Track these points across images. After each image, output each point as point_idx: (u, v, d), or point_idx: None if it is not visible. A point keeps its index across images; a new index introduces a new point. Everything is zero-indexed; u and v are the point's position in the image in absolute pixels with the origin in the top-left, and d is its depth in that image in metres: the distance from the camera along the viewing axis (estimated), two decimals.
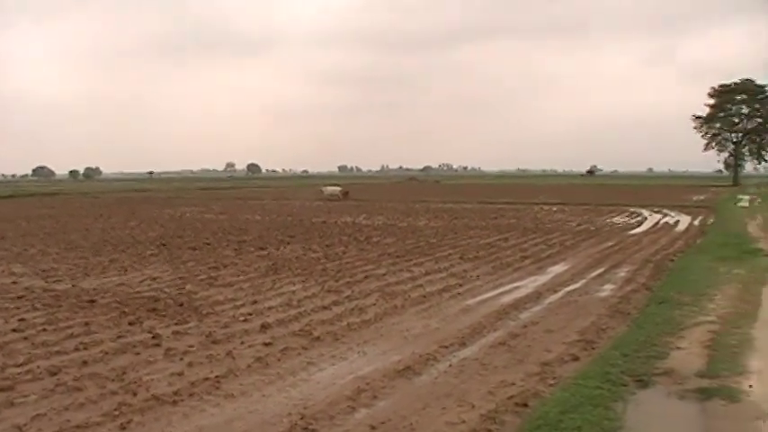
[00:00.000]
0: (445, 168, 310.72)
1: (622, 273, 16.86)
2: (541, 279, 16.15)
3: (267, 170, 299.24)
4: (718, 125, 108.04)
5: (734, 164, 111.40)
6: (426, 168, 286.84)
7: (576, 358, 9.32)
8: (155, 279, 16.12)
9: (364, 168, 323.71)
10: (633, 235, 26.82)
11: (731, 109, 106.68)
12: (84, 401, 7.73)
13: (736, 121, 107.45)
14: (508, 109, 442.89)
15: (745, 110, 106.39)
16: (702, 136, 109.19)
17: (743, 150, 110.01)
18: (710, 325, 10.73)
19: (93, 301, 13.32)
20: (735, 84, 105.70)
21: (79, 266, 18.16)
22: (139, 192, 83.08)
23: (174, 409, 7.59)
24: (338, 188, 62.95)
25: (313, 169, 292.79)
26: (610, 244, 23.30)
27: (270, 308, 12.73)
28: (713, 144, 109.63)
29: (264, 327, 11.19)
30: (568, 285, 15.22)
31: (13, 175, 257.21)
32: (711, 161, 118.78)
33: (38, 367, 9.00)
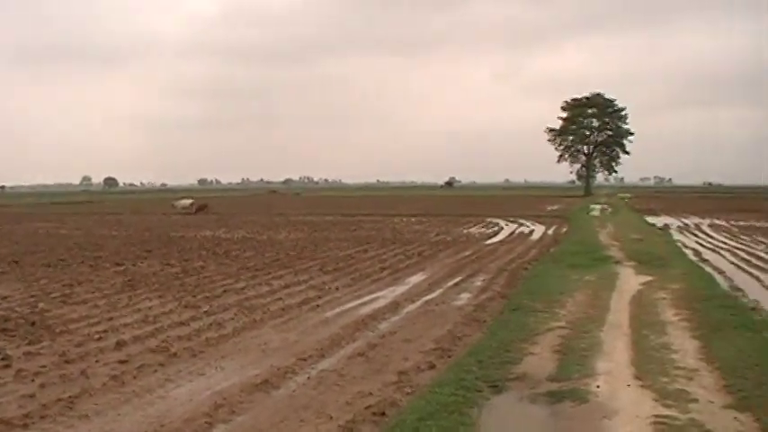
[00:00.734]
0: (306, 181, 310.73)
1: (478, 281, 17.39)
2: (400, 289, 16.42)
3: (125, 183, 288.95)
4: (570, 138, 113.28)
5: (586, 175, 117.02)
6: (287, 181, 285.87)
7: (432, 366, 9.53)
8: (5, 298, 15.25)
9: (225, 181, 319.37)
10: (489, 245, 27.74)
11: (583, 122, 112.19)
12: None
13: (588, 133, 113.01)
14: (368, 122, 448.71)
15: (595, 123, 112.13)
16: (556, 148, 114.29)
17: (594, 162, 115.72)
18: (561, 330, 11.29)
19: None
20: (586, 98, 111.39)
21: None
22: None
23: None
24: (189, 201, 62.21)
25: (172, 182, 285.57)
26: (467, 254, 23.99)
27: (126, 324, 12.34)
28: (566, 156, 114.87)
29: (120, 344, 10.84)
30: (426, 295, 15.54)
31: None
32: (565, 172, 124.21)
33: None
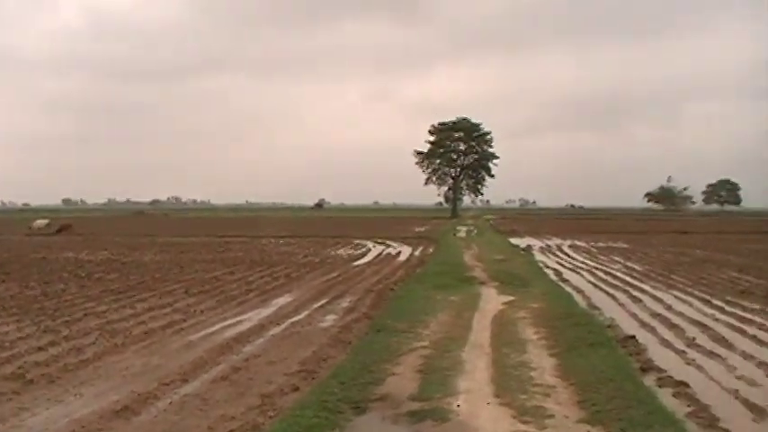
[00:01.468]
0: (174, 201, 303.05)
1: (345, 303, 17.45)
2: (266, 311, 16.28)
3: None
4: (438, 161, 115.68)
5: (453, 197, 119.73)
6: (155, 202, 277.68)
7: (296, 389, 9.49)
8: None
9: (90, 201, 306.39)
10: (357, 266, 27.92)
11: (450, 145, 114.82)
12: None
13: (455, 157, 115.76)
14: (239, 142, 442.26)
15: (462, 147, 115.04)
16: (424, 171, 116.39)
17: (461, 184, 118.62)
18: (424, 350, 11.50)
19: None
20: (453, 122, 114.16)
21: None
22: None
23: None
24: (45, 221, 60.41)
25: (35, 202, 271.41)
26: (334, 275, 24.05)
27: None
28: (434, 178, 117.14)
29: None
30: (292, 317, 15.47)
31: None
32: (433, 195, 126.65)
33: None
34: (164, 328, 13.94)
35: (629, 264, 28.29)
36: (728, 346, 12.05)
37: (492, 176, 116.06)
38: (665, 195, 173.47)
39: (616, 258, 31.04)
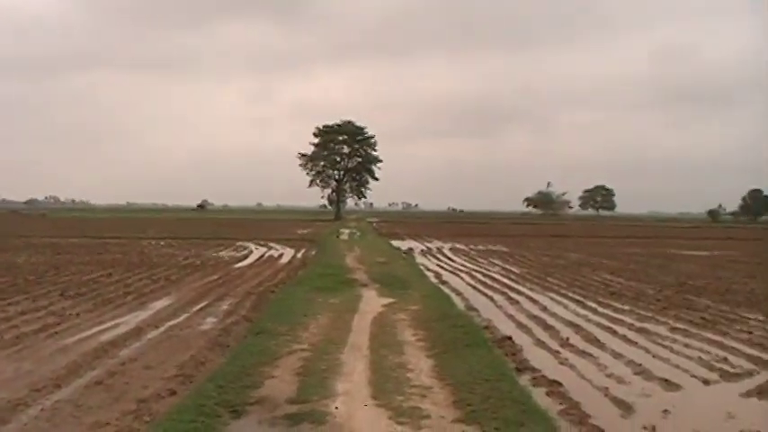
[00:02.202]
0: (52, 201, 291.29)
1: (225, 305, 17.17)
2: (144, 314, 15.83)
3: None
4: (321, 163, 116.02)
5: (336, 200, 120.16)
6: (31, 201, 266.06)
7: (173, 393, 9.26)
8: None
9: None
10: (238, 268, 27.54)
11: (334, 148, 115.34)
12: None
13: (339, 159, 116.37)
14: (119, 141, 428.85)
15: (346, 149, 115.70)
16: (308, 173, 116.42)
17: (345, 187, 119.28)
18: (303, 353, 11.44)
19: None
20: (337, 125, 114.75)
21: None
22: None
23: None
24: None
25: None
26: (215, 277, 23.65)
27: None
28: (318, 181, 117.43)
29: None
30: (171, 320, 15.09)
31: None
32: (316, 197, 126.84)
33: None
34: (37, 333, 13.34)
35: (507, 266, 29.05)
36: (600, 345, 12.54)
37: (376, 179, 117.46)
38: (543, 200, 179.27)
39: (495, 261, 31.82)
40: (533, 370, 10.56)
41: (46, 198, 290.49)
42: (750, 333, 13.93)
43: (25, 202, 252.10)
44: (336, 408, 8.46)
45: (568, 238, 58.04)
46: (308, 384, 9.51)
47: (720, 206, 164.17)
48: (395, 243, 46.19)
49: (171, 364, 10.92)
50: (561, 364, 11.18)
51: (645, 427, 8.06)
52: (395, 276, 23.07)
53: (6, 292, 18.69)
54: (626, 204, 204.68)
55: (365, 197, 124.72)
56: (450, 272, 26.61)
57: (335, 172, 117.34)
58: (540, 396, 9.12)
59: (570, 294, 19.60)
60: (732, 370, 10.86)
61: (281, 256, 35.08)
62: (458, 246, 44.14)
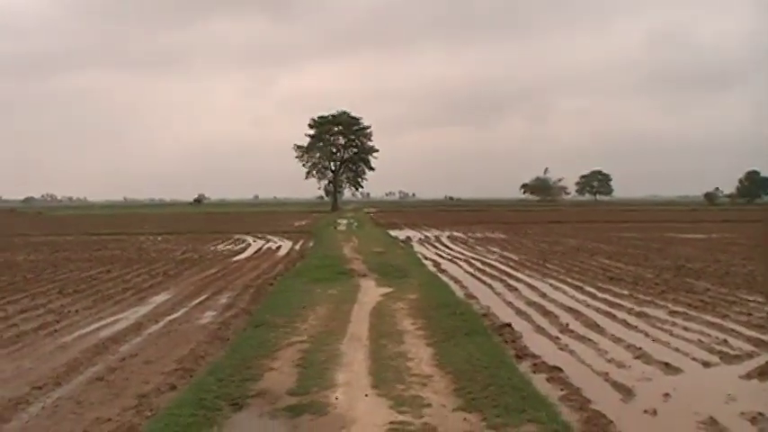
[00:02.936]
0: (49, 199, 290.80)
1: (224, 299, 17.18)
2: (143, 310, 15.85)
3: None
4: (317, 154, 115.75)
5: (333, 191, 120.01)
6: (28, 199, 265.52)
7: (173, 387, 9.26)
8: None
9: None
10: (236, 261, 27.56)
11: (330, 139, 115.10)
12: None
13: (335, 150, 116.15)
14: (115, 138, 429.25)
15: (342, 140, 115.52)
16: (304, 164, 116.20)
17: (341, 178, 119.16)
18: (302, 344, 11.45)
19: None
20: (332, 116, 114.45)
21: None
22: None
23: None
24: None
25: None
26: (213, 271, 23.65)
27: None
28: (314, 172, 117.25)
29: None
30: (170, 315, 15.11)
31: None
32: (313, 188, 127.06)
33: None
34: (36, 330, 13.35)
35: (505, 253, 29.07)
36: (599, 330, 12.55)
37: (372, 169, 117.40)
38: (540, 186, 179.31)
39: (493, 249, 31.84)
40: (533, 356, 10.57)
41: (43, 196, 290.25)
42: (749, 315, 13.95)
43: (22, 201, 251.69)
44: (337, 398, 8.46)
45: (566, 223, 58.08)
46: (307, 376, 9.51)
47: (717, 189, 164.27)
48: (392, 233, 46.17)
49: (171, 359, 10.94)
50: (561, 349, 11.19)
51: (646, 411, 8.08)
52: (393, 266, 23.05)
53: (5, 291, 18.71)
54: (623, 189, 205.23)
55: (362, 187, 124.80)
56: (449, 260, 26.62)
57: (332, 163, 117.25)
58: (540, 382, 9.14)
59: (569, 280, 19.62)
60: (732, 352, 10.87)
61: (278, 248, 35.10)
62: (455, 234, 44.16)
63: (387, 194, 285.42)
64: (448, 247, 33.97)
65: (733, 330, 12.41)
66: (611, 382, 9.26)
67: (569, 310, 14.75)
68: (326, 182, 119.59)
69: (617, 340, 11.73)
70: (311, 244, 36.63)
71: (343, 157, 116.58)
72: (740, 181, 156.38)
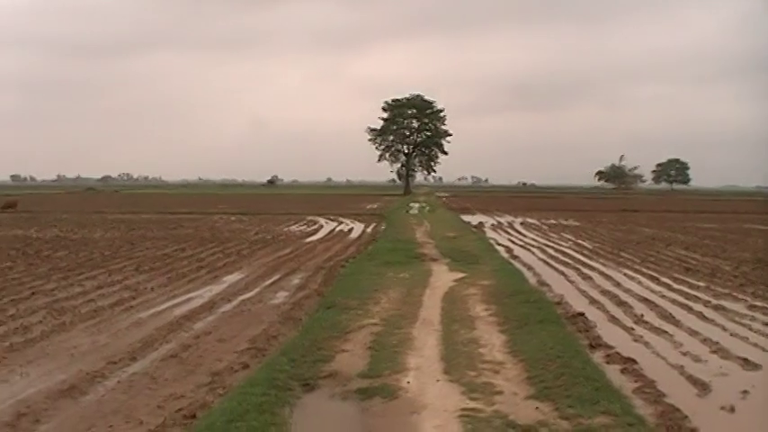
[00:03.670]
0: (125, 178, 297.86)
1: (296, 280, 17.38)
2: (216, 288, 16.14)
3: None
4: (390, 138, 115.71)
5: (405, 174, 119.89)
6: (105, 178, 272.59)
7: (246, 366, 9.42)
8: None
9: (39, 178, 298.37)
10: (309, 243, 27.82)
11: (403, 122, 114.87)
12: None
13: (408, 133, 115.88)
14: (189, 119, 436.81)
15: (415, 124, 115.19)
16: (377, 148, 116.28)
17: (414, 161, 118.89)
18: (374, 327, 11.49)
19: None
20: (406, 99, 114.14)
21: None
22: None
23: None
24: None
25: None
26: (286, 252, 23.92)
27: None
28: (387, 155, 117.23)
29: None
30: (243, 294, 15.35)
31: None
32: (386, 172, 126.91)
33: None
34: (112, 306, 13.71)
35: (579, 241, 28.65)
36: (675, 322, 12.27)
37: (445, 153, 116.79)
38: (615, 174, 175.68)
39: (566, 236, 31.41)
40: (607, 347, 10.41)
41: (119, 175, 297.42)
42: None
43: (99, 179, 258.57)
44: (408, 382, 8.48)
45: (641, 212, 56.88)
46: (379, 359, 9.57)
47: None
48: (465, 217, 45.94)
49: (243, 338, 11.13)
50: (635, 341, 10.99)
51: (723, 407, 7.88)
52: (465, 251, 22.98)
53: (83, 267, 19.23)
54: (701, 178, 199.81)
55: (434, 171, 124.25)
56: (521, 246, 26.38)
57: (404, 146, 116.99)
58: (614, 374, 8.99)
59: (644, 270, 19.23)
60: None
61: (350, 230, 35.28)
62: (528, 220, 43.69)
63: (459, 179, 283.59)
64: (521, 233, 33.65)
65: None
66: (686, 375, 9.04)
67: (644, 300, 14.46)
68: (399, 165, 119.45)
69: (693, 333, 11.45)
70: (383, 227, 36.72)
71: (416, 140, 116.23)
72: None
